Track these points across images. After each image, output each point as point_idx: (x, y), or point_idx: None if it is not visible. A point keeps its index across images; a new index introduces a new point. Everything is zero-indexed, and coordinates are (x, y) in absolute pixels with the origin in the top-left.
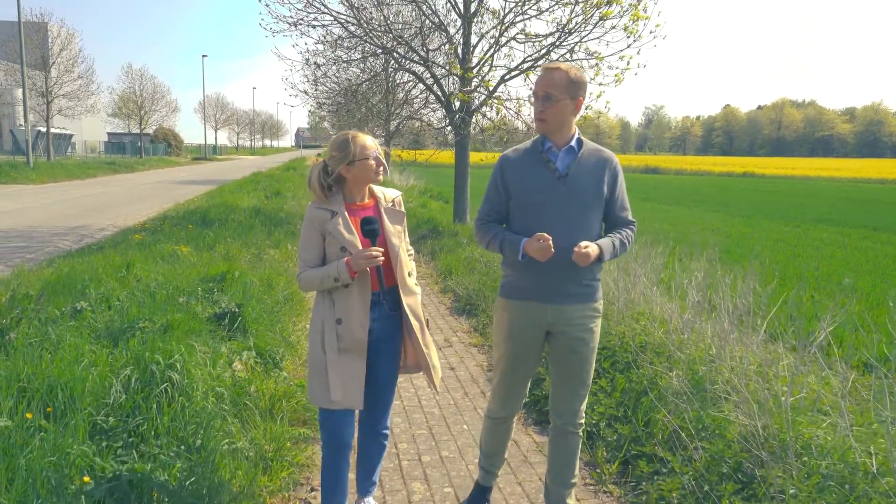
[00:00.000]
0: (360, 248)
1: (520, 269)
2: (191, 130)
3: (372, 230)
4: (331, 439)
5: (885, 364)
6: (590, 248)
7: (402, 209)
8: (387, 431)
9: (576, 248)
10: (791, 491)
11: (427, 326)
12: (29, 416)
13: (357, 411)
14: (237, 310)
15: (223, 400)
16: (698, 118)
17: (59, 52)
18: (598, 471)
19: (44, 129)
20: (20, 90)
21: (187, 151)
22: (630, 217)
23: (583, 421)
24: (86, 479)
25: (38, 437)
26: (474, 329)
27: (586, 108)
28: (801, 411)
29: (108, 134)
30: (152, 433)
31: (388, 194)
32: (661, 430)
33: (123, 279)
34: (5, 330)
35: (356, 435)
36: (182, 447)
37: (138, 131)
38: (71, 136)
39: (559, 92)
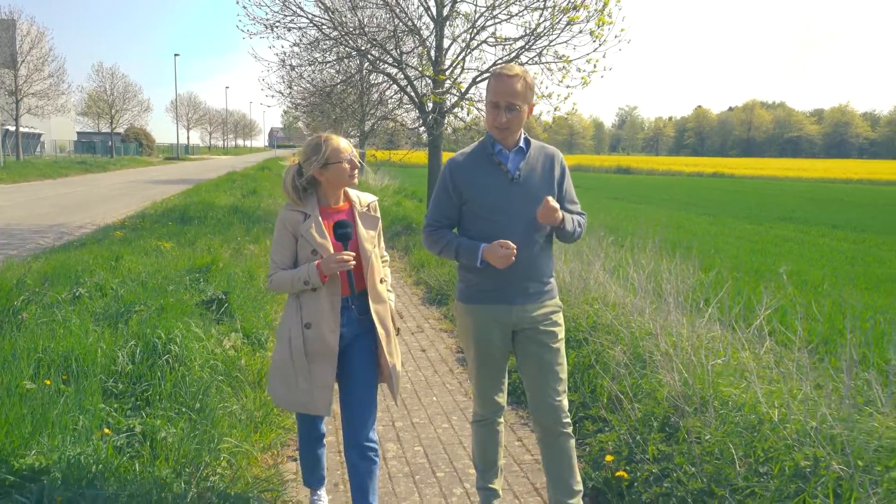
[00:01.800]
0: (332, 251)
1: (479, 272)
2: (163, 130)
3: (344, 234)
4: (306, 430)
5: (830, 346)
6: (558, 209)
7: (378, 214)
8: (373, 445)
9: (546, 202)
10: (707, 437)
11: (397, 335)
12: (48, 382)
13: (340, 424)
14: (224, 296)
15: (217, 371)
16: (671, 119)
17: (29, 51)
18: None
19: (12, 129)
20: None
21: (159, 151)
22: (580, 209)
23: (569, 419)
24: (106, 430)
25: (61, 399)
26: (444, 316)
27: (555, 110)
28: (723, 375)
29: (78, 133)
30: (157, 397)
31: (363, 199)
32: (604, 395)
33: (114, 270)
34: (17, 310)
35: (343, 451)
36: (184, 409)
37: (108, 131)
38: (40, 135)
39: (520, 101)
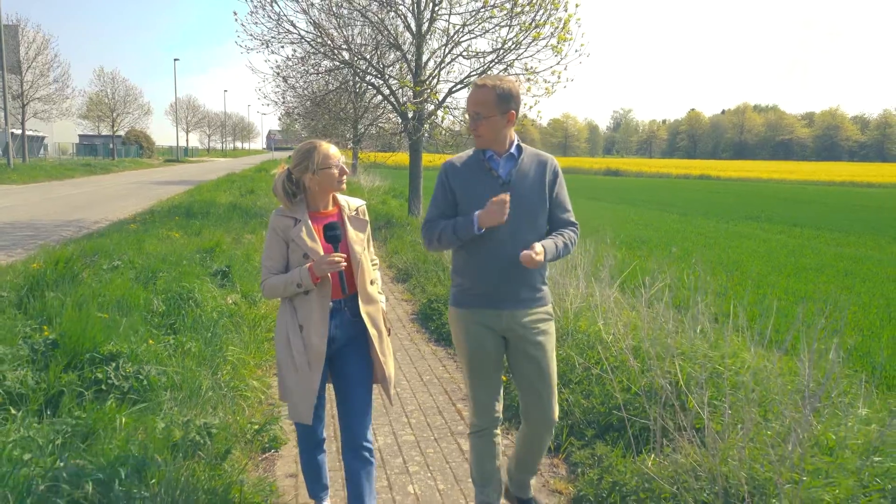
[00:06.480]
0: (322, 254)
1: (470, 276)
2: (162, 132)
3: (334, 236)
4: (305, 434)
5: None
6: (537, 251)
7: (366, 218)
8: (369, 445)
9: (524, 252)
10: (560, 352)
11: (388, 335)
12: (105, 315)
13: (337, 423)
14: (227, 269)
15: (223, 314)
16: (664, 122)
17: (35, 57)
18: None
19: (18, 132)
20: None
21: (159, 153)
22: (572, 218)
23: (555, 422)
24: (151, 341)
25: (121, 321)
26: (407, 290)
27: (523, 117)
28: (586, 316)
29: (80, 136)
30: (182, 328)
31: (351, 203)
32: None
33: (139, 250)
34: (78, 272)
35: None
36: (200, 335)
37: (109, 133)
38: (43, 137)
39: (487, 109)
